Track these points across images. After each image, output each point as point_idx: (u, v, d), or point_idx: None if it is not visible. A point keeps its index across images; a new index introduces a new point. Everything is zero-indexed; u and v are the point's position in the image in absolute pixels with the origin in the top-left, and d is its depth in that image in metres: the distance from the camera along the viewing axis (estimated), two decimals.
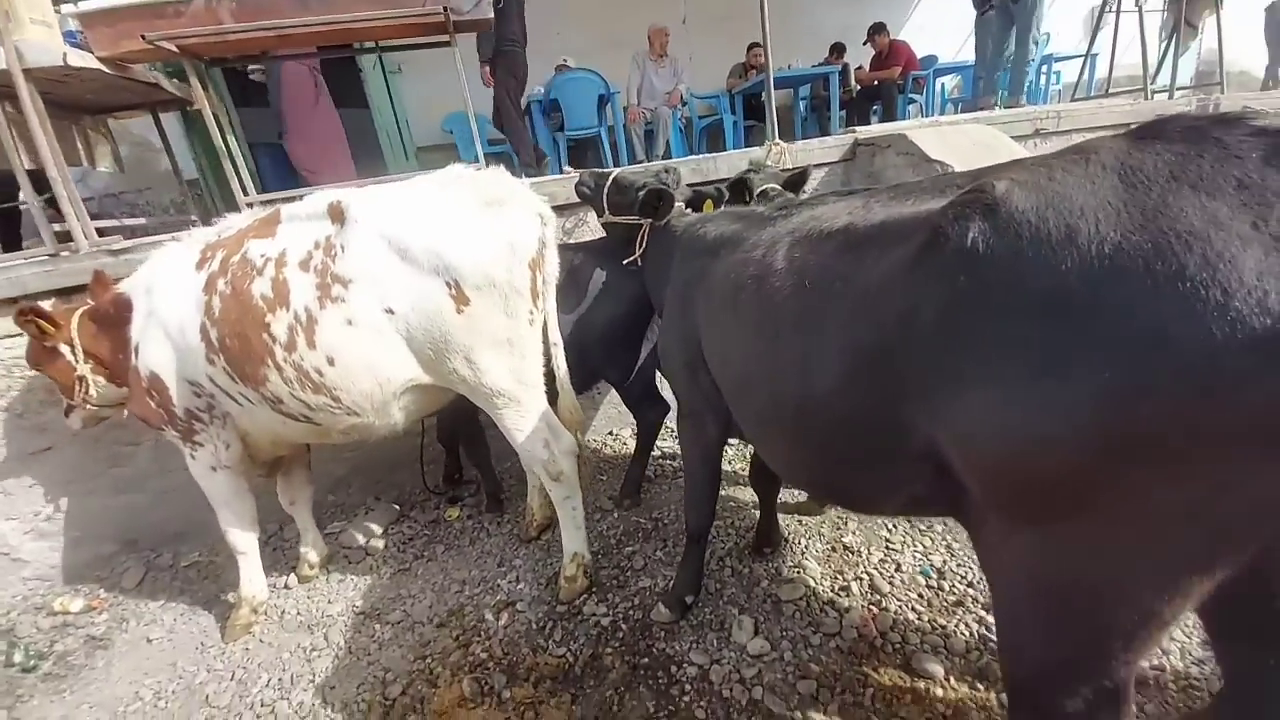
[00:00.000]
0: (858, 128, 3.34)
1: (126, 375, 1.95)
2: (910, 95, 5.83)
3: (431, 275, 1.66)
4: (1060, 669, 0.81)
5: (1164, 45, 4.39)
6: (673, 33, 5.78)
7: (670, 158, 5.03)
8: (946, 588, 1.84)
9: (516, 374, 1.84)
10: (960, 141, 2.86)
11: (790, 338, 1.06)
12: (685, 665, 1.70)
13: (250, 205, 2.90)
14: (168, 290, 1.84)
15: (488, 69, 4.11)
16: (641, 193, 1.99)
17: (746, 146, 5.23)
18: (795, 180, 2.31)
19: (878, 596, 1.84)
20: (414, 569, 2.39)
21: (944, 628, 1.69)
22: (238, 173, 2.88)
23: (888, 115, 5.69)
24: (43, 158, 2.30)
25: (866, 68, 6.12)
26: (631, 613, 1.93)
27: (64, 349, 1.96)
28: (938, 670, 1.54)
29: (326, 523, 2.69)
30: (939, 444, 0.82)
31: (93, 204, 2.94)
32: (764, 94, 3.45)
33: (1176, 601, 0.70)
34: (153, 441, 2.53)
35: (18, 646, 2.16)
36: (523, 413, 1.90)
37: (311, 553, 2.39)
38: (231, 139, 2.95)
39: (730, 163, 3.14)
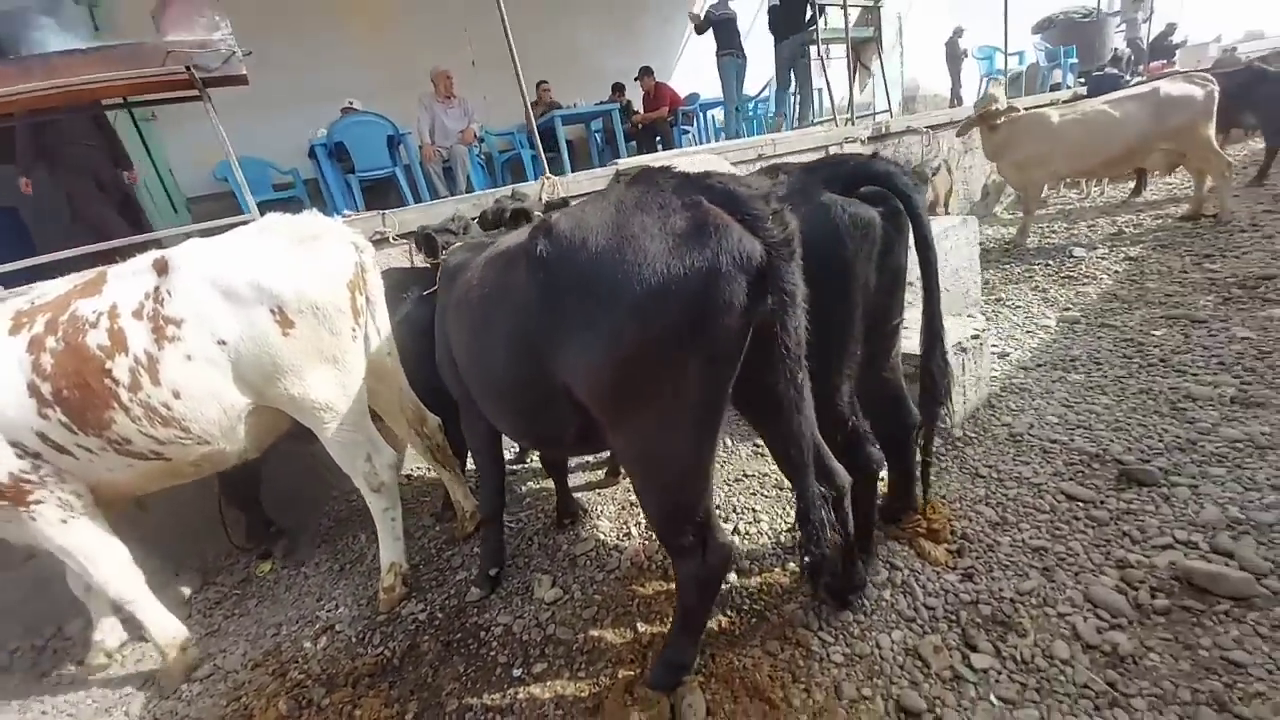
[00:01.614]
0: (618, 160, 3.94)
1: None
2: (683, 128, 6.82)
3: (256, 305, 1.87)
4: (671, 514, 1.27)
5: (851, 83, 5.78)
6: (465, 74, 6.10)
7: (473, 191, 5.32)
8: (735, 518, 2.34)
9: (342, 387, 2.05)
10: (690, 169, 3.56)
11: (484, 333, 1.44)
12: (493, 628, 1.97)
13: None
14: None
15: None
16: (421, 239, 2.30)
17: (552, 175, 5.72)
18: (556, 208, 2.75)
19: (650, 532, 2.30)
20: (224, 628, 2.34)
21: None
22: None
23: (666, 145, 6.58)
24: None
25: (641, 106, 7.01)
26: (448, 602, 2.16)
27: None
28: None
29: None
30: (569, 387, 1.25)
31: None
32: (529, 131, 3.89)
33: (710, 436, 1.18)
34: None
35: None
36: (346, 427, 2.09)
37: (107, 639, 2.24)
38: None
39: (534, 191, 3.52)
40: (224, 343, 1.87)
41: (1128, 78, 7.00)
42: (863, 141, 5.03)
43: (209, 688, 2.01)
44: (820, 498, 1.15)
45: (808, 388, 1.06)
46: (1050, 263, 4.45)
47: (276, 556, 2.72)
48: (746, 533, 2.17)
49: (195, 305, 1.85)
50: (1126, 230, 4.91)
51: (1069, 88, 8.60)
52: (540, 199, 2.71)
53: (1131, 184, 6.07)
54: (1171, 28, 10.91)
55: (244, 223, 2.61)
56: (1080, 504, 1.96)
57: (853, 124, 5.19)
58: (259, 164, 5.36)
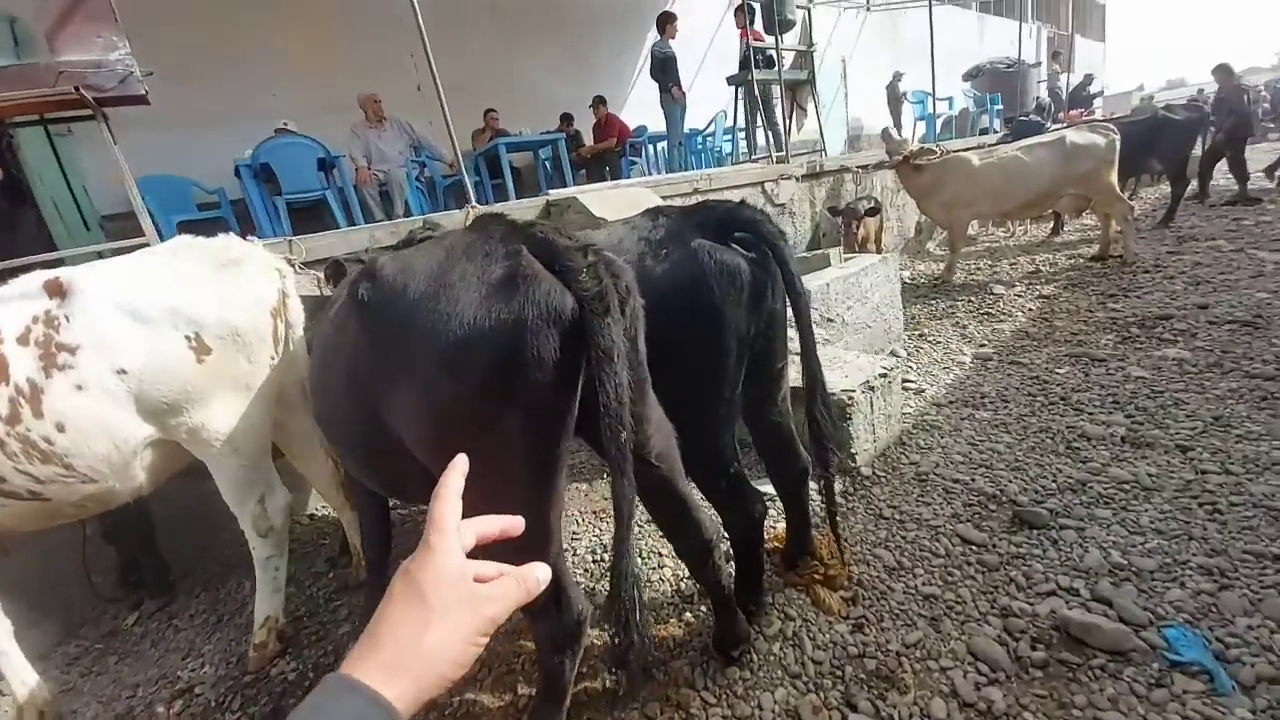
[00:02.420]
0: (551, 191, 3.92)
1: None
2: (631, 159, 6.90)
3: (170, 330, 1.76)
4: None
5: (789, 122, 5.98)
6: (411, 99, 6.03)
7: (411, 215, 5.21)
8: (607, 559, 2.26)
9: (248, 420, 1.93)
10: (618, 200, 3.57)
11: (325, 376, 1.35)
12: None
13: None
14: None
15: None
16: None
17: (496, 202, 5.67)
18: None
19: None
20: (79, 686, 2.11)
21: (594, 590, 2.09)
22: None
23: (614, 175, 6.64)
24: None
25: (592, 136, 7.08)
26: (323, 660, 1.99)
27: None
28: None
29: None
30: (400, 436, 1.16)
31: None
32: (454, 157, 3.83)
33: (547, 493, 1.11)
34: None
35: None
36: (244, 463, 1.96)
37: None
38: None
39: (450, 221, 3.44)
40: (124, 371, 1.72)
41: (1048, 124, 7.48)
42: (797, 179, 5.17)
43: None
44: (632, 579, 1.07)
45: (629, 448, 1.00)
46: (972, 299, 4.63)
47: (142, 606, 2.49)
48: (649, 580, 2.09)
49: (96, 331, 1.70)
50: (1043, 269, 5.18)
51: (995, 132, 9.15)
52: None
53: (1051, 224, 6.43)
54: (1089, 78, 11.79)
55: (144, 245, 2.45)
56: (973, 547, 1.96)
57: (788, 161, 5.34)
58: (179, 182, 5.13)
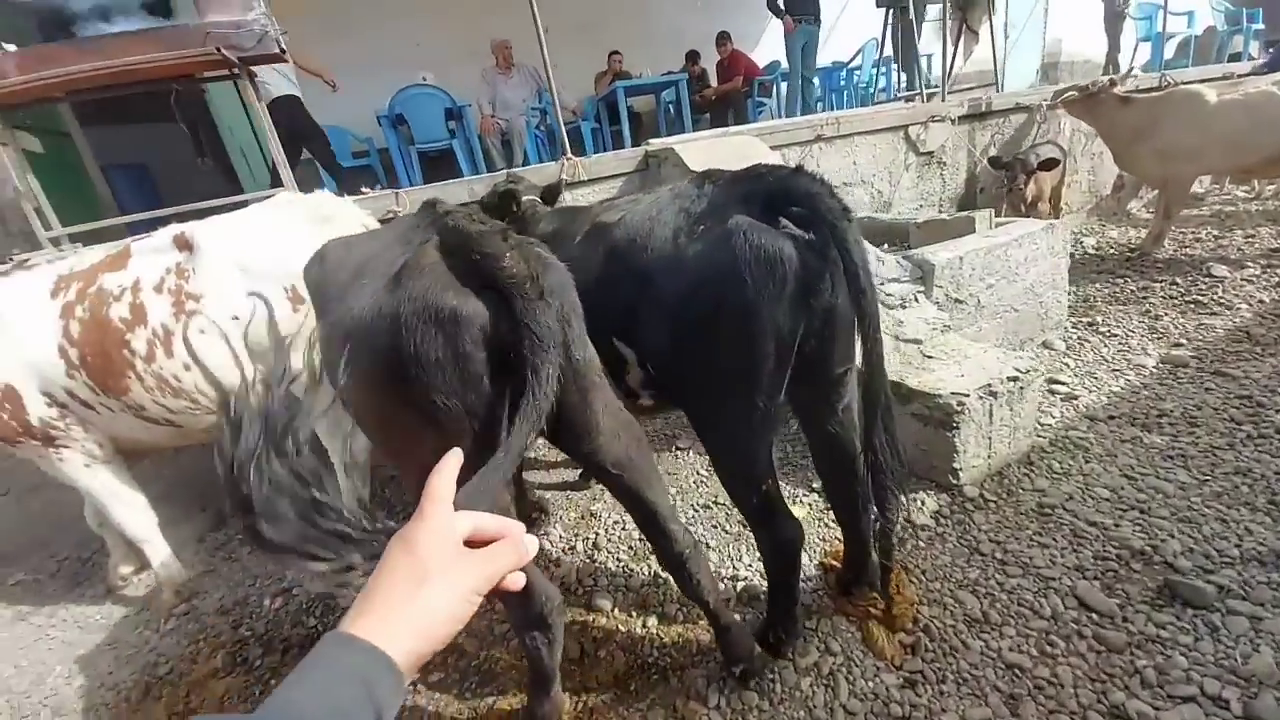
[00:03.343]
0: (652, 140, 3.68)
1: None
2: (760, 100, 6.28)
3: (271, 281, 1.98)
4: None
5: (953, 51, 4.96)
6: (533, 44, 6.02)
7: (528, 164, 5.29)
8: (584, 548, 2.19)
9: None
10: (722, 151, 3.24)
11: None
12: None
13: (55, 242, 2.99)
14: (21, 313, 1.99)
15: None
16: None
17: (614, 150, 5.54)
18: (551, 192, 2.58)
19: (594, 550, 2.18)
20: (219, 569, 2.58)
21: (632, 571, 2.03)
22: (39, 211, 2.96)
23: (739, 119, 6.12)
24: None
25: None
26: None
27: None
28: (606, 604, 1.88)
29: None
30: None
31: None
32: (553, 111, 3.72)
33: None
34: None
35: None
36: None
37: (123, 565, 2.56)
38: (32, 178, 3.01)
39: (540, 174, 3.42)
40: (237, 318, 1.98)
41: None
42: (953, 120, 4.31)
43: (182, 625, 2.21)
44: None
45: (519, 448, 0.86)
46: (1178, 281, 3.60)
47: None
48: (666, 578, 1.98)
49: (216, 282, 1.97)
50: None
51: (1251, 59, 6.82)
52: (561, 181, 2.55)
53: None
54: None
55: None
56: (1094, 616, 1.55)
57: (944, 99, 4.46)
58: (339, 132, 5.67)
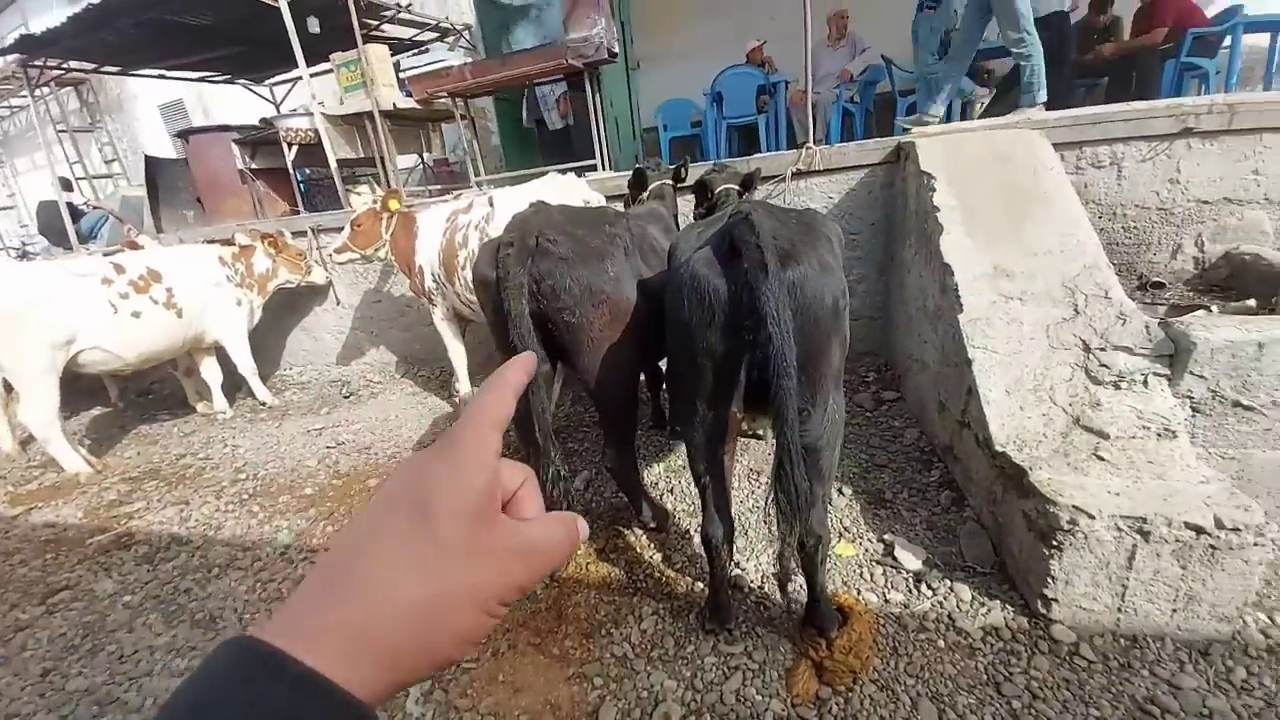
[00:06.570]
0: (911, 129, 3.24)
1: (410, 260, 3.95)
2: (1191, 61, 4.36)
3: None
4: None
5: None
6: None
7: (830, 142, 5.23)
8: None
9: None
10: (972, 152, 2.73)
11: None
12: None
13: (479, 184, 4.82)
14: (433, 228, 3.61)
15: None
16: None
17: (962, 120, 4.94)
18: (748, 180, 2.78)
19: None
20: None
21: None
22: (474, 162, 4.83)
23: (1146, 90, 4.48)
24: (381, 152, 4.57)
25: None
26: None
27: (383, 232, 4.10)
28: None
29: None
30: None
31: (415, 174, 5.38)
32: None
33: None
34: (415, 308, 4.74)
35: (349, 384, 4.64)
36: None
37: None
38: (474, 139, 4.88)
39: (767, 163, 3.54)
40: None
41: None
42: None
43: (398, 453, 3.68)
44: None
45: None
46: None
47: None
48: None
49: (500, 226, 3.14)
50: None
51: None
52: (757, 171, 2.77)
53: None
54: None
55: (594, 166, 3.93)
56: None
57: None
58: (683, 104, 6.66)
